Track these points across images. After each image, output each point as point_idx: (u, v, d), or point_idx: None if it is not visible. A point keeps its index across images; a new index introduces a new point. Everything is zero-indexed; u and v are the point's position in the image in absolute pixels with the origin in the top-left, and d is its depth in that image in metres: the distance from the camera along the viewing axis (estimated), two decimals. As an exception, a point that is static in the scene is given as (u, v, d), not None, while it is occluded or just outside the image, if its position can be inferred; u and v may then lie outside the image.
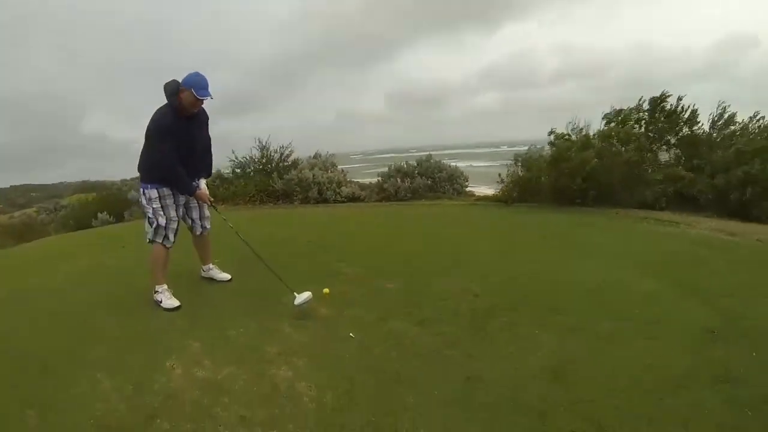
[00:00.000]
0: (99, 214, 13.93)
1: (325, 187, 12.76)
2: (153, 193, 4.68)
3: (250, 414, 2.98)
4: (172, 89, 4.45)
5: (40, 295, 5.34)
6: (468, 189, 14.12)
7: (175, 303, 4.63)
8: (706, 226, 7.92)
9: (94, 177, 46.19)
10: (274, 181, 13.28)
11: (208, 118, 4.90)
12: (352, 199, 12.86)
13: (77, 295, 5.24)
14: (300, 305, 4.37)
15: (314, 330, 4.07)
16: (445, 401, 3.08)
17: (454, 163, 14.53)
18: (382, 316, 4.32)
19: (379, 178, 13.74)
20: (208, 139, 4.99)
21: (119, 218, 14.09)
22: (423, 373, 3.41)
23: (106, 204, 15.38)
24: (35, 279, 6.02)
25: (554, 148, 10.93)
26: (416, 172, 13.25)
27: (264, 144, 14.33)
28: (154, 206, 4.66)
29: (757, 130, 10.38)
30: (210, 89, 4.45)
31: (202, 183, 4.93)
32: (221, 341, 3.89)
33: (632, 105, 11.11)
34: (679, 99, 10.79)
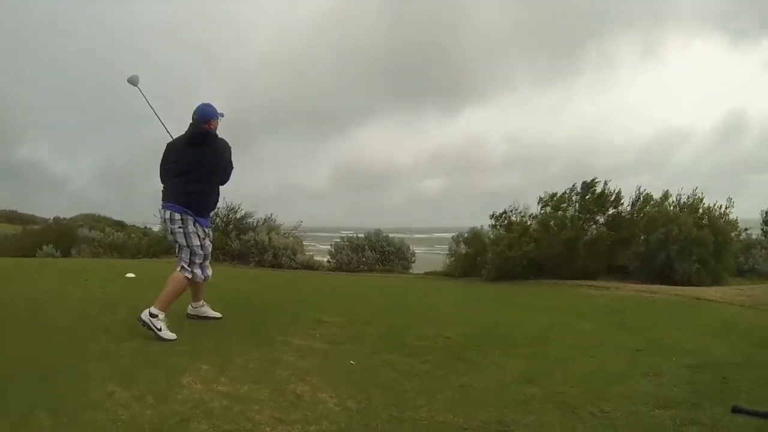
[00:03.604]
0: (45, 246, 13.57)
1: (281, 252, 12.98)
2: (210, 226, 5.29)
3: (284, 416, 3.42)
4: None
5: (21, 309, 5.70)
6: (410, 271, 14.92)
7: (173, 336, 4.77)
8: (632, 288, 9.41)
9: (24, 209, 43.30)
10: (231, 240, 13.41)
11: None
12: (307, 266, 13.18)
13: (60, 313, 5.62)
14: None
15: (316, 360, 4.56)
16: (448, 400, 3.78)
17: (400, 239, 15.10)
18: (373, 351, 4.92)
19: (332, 249, 14.05)
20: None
21: (65, 253, 13.77)
22: (424, 384, 4.11)
23: (53, 236, 14.99)
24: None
25: (496, 231, 12.42)
26: (366, 245, 13.55)
27: (230, 203, 14.71)
28: (201, 239, 5.10)
29: (666, 205, 12.23)
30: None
31: None
32: (230, 365, 4.26)
33: (567, 190, 12.55)
34: (606, 183, 12.37)
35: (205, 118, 5.03)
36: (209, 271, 5.23)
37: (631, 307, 7.56)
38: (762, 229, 15.67)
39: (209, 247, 5.19)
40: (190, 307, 5.62)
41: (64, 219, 25.11)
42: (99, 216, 28.45)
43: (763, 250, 13.51)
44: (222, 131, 5.22)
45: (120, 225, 25.32)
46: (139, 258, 15.35)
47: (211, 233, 5.30)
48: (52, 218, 25.69)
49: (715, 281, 10.79)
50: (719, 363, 4.51)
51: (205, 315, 5.61)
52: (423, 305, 7.82)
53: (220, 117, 5.13)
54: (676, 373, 4.26)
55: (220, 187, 5.23)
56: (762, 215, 16.10)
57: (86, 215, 28.18)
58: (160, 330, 4.68)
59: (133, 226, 25.91)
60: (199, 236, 4.99)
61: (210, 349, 4.55)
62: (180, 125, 5.25)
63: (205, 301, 5.65)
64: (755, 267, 13.12)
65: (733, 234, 12.04)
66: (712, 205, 11.96)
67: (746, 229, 14.01)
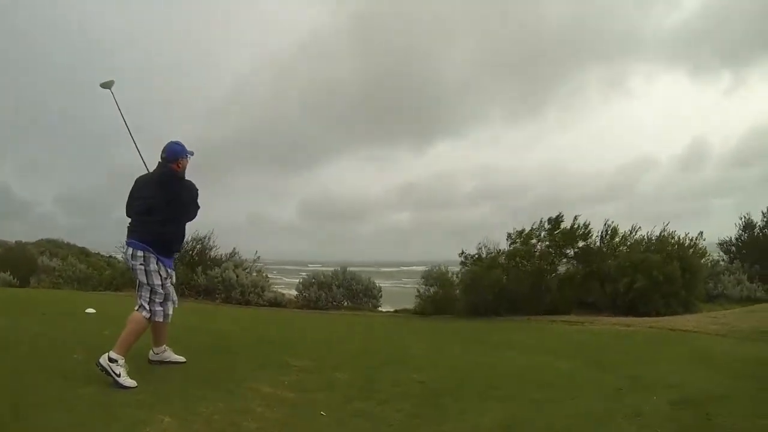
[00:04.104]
0: (2, 273, 13.01)
1: (248, 290, 12.70)
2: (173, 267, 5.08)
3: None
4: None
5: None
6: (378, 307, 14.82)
7: (134, 383, 4.46)
8: (607, 322, 9.47)
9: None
10: (197, 275, 13.08)
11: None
12: (274, 303, 12.90)
13: (13, 352, 5.30)
14: None
15: (285, 410, 4.30)
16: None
17: (367, 276, 14.85)
18: (344, 399, 4.66)
19: (300, 286, 13.87)
20: None
21: (24, 282, 13.22)
22: (399, 434, 3.91)
23: (11, 263, 14.35)
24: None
25: (466, 269, 12.41)
26: (334, 283, 13.39)
27: (197, 233, 14.49)
28: (163, 279, 4.93)
29: (633, 241, 12.56)
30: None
31: None
32: (194, 416, 3.98)
33: (536, 225, 12.78)
34: (575, 218, 12.60)
35: (173, 157, 4.95)
36: (170, 311, 5.01)
37: (608, 342, 7.56)
38: (726, 255, 16.12)
39: (171, 288, 5.03)
40: (151, 352, 5.33)
41: (27, 243, 24.29)
42: (62, 242, 27.71)
43: (731, 276, 13.90)
44: (193, 161, 5.16)
45: (84, 253, 24.66)
46: (100, 291, 14.91)
47: (174, 275, 5.12)
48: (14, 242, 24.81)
49: (687, 309, 11.02)
50: (700, 398, 4.47)
51: (168, 360, 5.34)
52: (394, 347, 7.60)
53: (189, 156, 5.06)
54: (659, 411, 4.20)
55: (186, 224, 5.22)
56: (720, 246, 16.57)
57: (49, 241, 27.44)
58: (119, 376, 4.41)
59: (98, 254, 25.25)
60: (161, 275, 4.85)
61: (173, 398, 4.22)
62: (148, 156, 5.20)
63: (167, 345, 5.39)
64: (724, 292, 13.48)
65: (702, 261, 12.47)
66: (682, 236, 12.39)
67: (718, 261, 15.02)
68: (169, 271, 4.97)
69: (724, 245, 16.52)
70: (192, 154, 5.12)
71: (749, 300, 12.84)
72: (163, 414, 3.85)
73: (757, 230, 15.92)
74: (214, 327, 8.39)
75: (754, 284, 13.69)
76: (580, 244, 12.51)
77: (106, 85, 5.66)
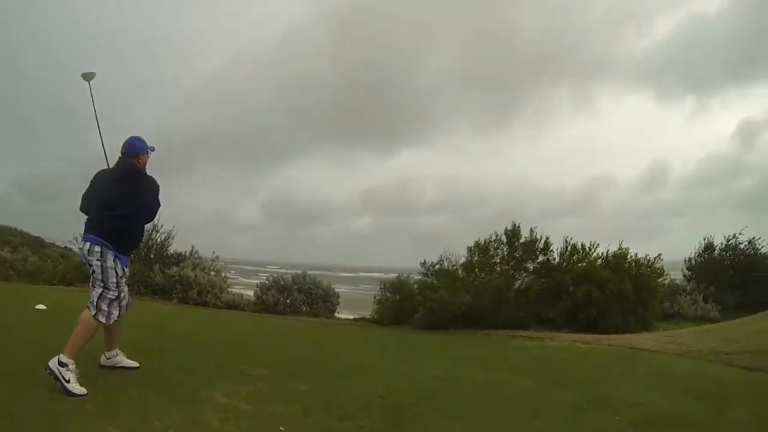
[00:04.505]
0: None
1: (206, 290, 12.39)
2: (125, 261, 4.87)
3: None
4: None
5: None
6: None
7: (83, 391, 4.22)
8: (566, 338, 9.40)
9: None
10: (155, 273, 12.72)
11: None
12: (232, 305, 12.62)
13: None
14: None
15: (242, 424, 4.11)
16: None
17: (327, 282, 14.65)
18: (303, 413, 4.49)
19: (258, 290, 13.58)
20: None
21: None
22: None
23: None
24: None
25: (426, 279, 12.39)
26: (294, 287, 13.18)
27: (156, 225, 13.97)
28: (118, 277, 4.75)
29: (593, 257, 12.59)
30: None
31: None
32: (148, 429, 3.77)
33: (491, 236, 12.71)
34: (532, 230, 12.63)
35: (133, 152, 4.85)
36: (115, 313, 4.71)
37: (568, 359, 7.55)
38: (684, 275, 16.41)
39: (125, 288, 4.84)
40: (103, 357, 5.08)
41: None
42: (16, 230, 26.14)
43: (687, 296, 14.17)
44: (159, 152, 5.01)
45: (38, 243, 23.80)
46: (53, 285, 14.36)
47: (128, 272, 4.92)
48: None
49: (644, 327, 11.17)
50: (661, 418, 4.52)
51: (120, 365, 5.09)
52: (354, 357, 7.45)
53: (150, 151, 4.96)
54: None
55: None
56: (685, 262, 16.99)
57: (1, 227, 25.60)
58: (68, 382, 4.18)
59: (53, 244, 24.41)
60: (116, 273, 4.69)
61: (125, 409, 3.99)
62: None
63: (120, 350, 5.12)
64: (680, 311, 13.71)
65: (659, 280, 12.80)
66: (639, 257, 12.51)
67: (674, 280, 15.13)
68: (126, 270, 4.82)
69: (686, 263, 16.91)
70: (153, 149, 5.01)
71: (704, 319, 13.14)
72: (113, 426, 3.65)
73: (716, 253, 16.33)
74: (169, 329, 8.14)
75: (709, 304, 13.99)
76: (540, 258, 12.58)
77: (87, 77, 5.58)
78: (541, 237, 12.54)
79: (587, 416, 4.66)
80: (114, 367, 5.05)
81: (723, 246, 16.17)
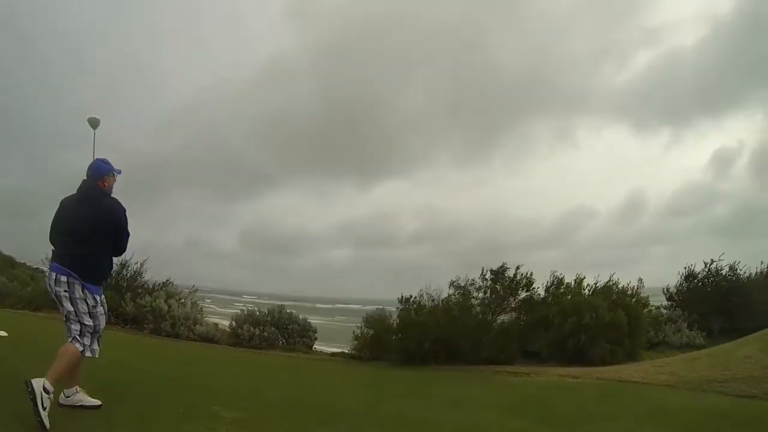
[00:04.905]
0: None
1: (180, 322, 11.85)
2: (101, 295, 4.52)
3: None
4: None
5: None
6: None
7: (48, 424, 3.80)
8: (553, 373, 8.97)
9: None
10: (126, 302, 12.17)
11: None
12: (206, 338, 12.07)
13: None
14: None
15: None
16: None
17: (304, 317, 14.31)
18: None
19: (233, 323, 13.11)
20: None
21: None
22: None
23: None
24: None
25: (402, 313, 12.00)
26: (269, 321, 12.77)
27: (125, 258, 13.30)
28: (100, 309, 4.46)
29: (580, 290, 12.38)
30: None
31: None
32: None
33: (476, 274, 12.38)
34: (517, 268, 12.29)
35: (99, 174, 4.59)
36: (97, 346, 4.43)
37: (556, 395, 7.14)
38: (665, 305, 16.06)
39: (102, 318, 4.48)
40: (62, 395, 4.50)
41: None
42: None
43: (672, 325, 13.98)
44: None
45: (9, 262, 22.89)
46: (18, 309, 13.69)
47: (104, 303, 4.54)
48: None
49: (631, 357, 10.89)
50: None
51: (80, 404, 4.53)
52: (334, 399, 6.89)
53: (116, 174, 4.72)
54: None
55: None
56: (664, 292, 16.78)
57: None
58: (44, 410, 3.77)
59: (24, 264, 23.60)
60: (87, 303, 4.35)
61: None
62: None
63: (80, 387, 4.65)
64: (665, 339, 13.51)
65: (645, 311, 12.54)
66: (624, 285, 12.49)
67: (657, 307, 14.88)
68: (98, 298, 4.46)
69: (666, 293, 16.78)
70: (119, 172, 4.77)
71: (689, 347, 12.92)
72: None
73: (698, 280, 16.11)
74: (138, 363, 7.57)
75: (694, 331, 13.82)
76: (523, 294, 12.28)
77: (93, 124, 5.33)
78: (522, 275, 12.26)
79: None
80: (73, 406, 4.48)
81: (704, 273, 15.98)
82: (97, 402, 4.61)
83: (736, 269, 15.69)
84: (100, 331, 4.48)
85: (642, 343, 12.03)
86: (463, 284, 12.25)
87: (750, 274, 15.87)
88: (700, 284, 16.05)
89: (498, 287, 12.13)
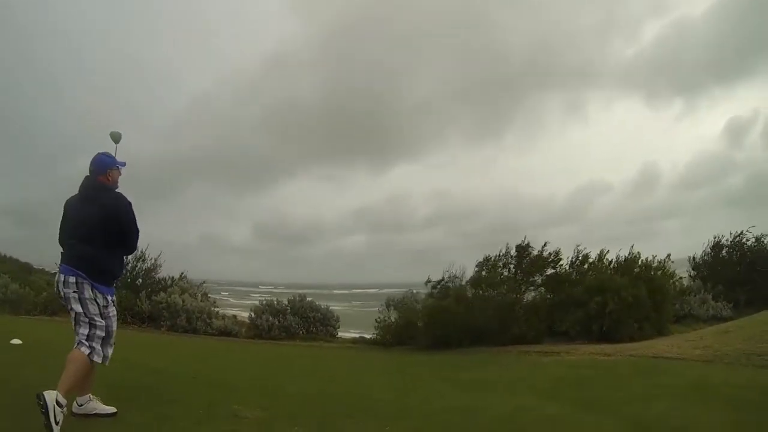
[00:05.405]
0: None
1: (195, 317, 11.65)
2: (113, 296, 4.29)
3: None
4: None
5: None
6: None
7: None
8: (584, 351, 8.71)
9: None
10: (141, 301, 11.97)
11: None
12: (224, 332, 11.83)
13: None
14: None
15: None
16: None
17: (325, 305, 14.12)
18: None
19: (252, 314, 12.83)
20: None
21: None
22: None
23: None
24: None
25: (431, 299, 11.85)
26: (288, 311, 12.43)
27: (141, 252, 13.23)
28: (112, 310, 4.21)
29: (603, 266, 12.25)
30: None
31: None
32: None
33: (500, 251, 12.33)
34: (544, 245, 12.23)
35: (101, 169, 4.33)
36: (110, 351, 4.18)
37: (591, 376, 6.84)
38: (689, 274, 16.05)
39: (113, 320, 4.24)
40: (74, 404, 4.29)
41: None
42: (5, 256, 25.17)
43: (696, 296, 13.80)
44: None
45: (26, 269, 22.88)
46: (33, 315, 13.56)
47: (115, 303, 4.31)
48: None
49: (660, 332, 10.77)
50: None
51: (95, 412, 4.29)
52: (357, 389, 6.66)
53: (120, 167, 4.46)
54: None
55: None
56: (690, 261, 16.61)
57: None
58: (57, 424, 3.57)
59: (41, 269, 23.61)
60: (98, 304, 4.12)
61: None
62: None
63: (94, 395, 4.37)
64: (691, 312, 13.32)
65: (670, 282, 12.50)
66: (649, 259, 12.26)
67: (681, 278, 14.67)
68: (109, 299, 4.23)
69: (691, 262, 16.58)
70: (124, 164, 4.49)
71: (716, 319, 12.71)
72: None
73: (725, 251, 15.93)
74: (154, 362, 7.39)
75: (720, 303, 13.66)
76: (549, 271, 12.14)
77: (115, 139, 5.06)
78: (551, 251, 12.16)
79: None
80: (87, 415, 4.26)
81: (730, 243, 15.76)
82: (112, 409, 4.35)
83: (762, 240, 15.40)
84: (112, 334, 4.24)
85: (669, 317, 11.79)
86: (492, 259, 12.14)
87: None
88: (725, 255, 15.82)
89: (524, 263, 12.00)
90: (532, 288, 12.10)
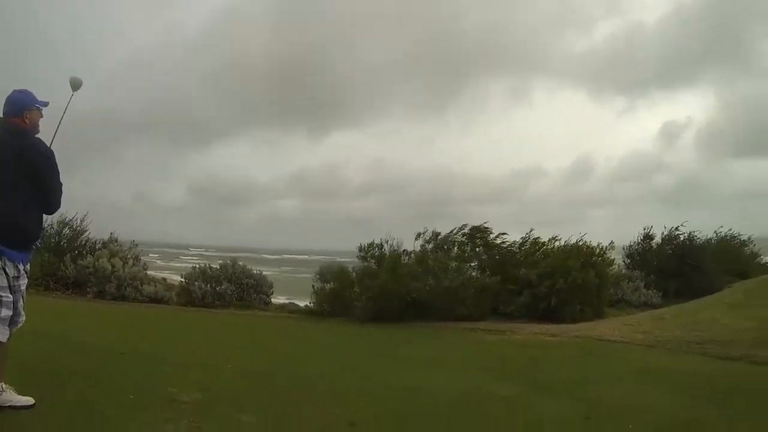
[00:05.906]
0: None
1: (125, 283, 10.91)
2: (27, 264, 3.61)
3: None
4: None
5: None
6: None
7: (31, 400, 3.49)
8: (529, 331, 8.84)
9: None
10: (65, 265, 11.10)
11: None
12: (155, 299, 11.17)
13: None
14: None
15: None
16: None
17: (258, 270, 13.55)
18: None
19: (183, 280, 12.20)
20: None
21: None
22: None
23: None
24: None
25: (365, 264, 11.66)
26: (222, 277, 11.89)
27: (64, 216, 12.18)
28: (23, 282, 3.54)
29: (554, 249, 12.41)
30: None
31: None
32: None
33: (450, 230, 12.26)
34: (503, 234, 12.38)
35: (18, 109, 3.54)
36: (7, 330, 3.42)
37: (539, 356, 6.94)
38: (624, 262, 16.61)
39: (22, 293, 3.53)
40: None
41: None
42: None
43: (630, 283, 14.31)
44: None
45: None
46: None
47: (28, 273, 3.62)
48: None
49: (598, 315, 11.04)
50: (675, 425, 4.05)
51: (9, 404, 3.56)
52: (304, 368, 6.14)
53: (41, 107, 3.69)
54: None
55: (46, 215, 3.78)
56: (624, 249, 17.06)
57: None
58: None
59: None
60: (7, 275, 3.39)
61: None
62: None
63: (6, 384, 3.58)
64: (624, 297, 13.78)
65: (609, 269, 12.89)
66: (594, 245, 12.48)
67: (618, 265, 15.26)
68: (21, 268, 3.51)
69: (626, 250, 17.10)
70: (45, 104, 3.71)
71: (647, 305, 13.29)
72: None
73: (657, 243, 16.63)
74: (79, 335, 6.54)
75: (651, 291, 14.20)
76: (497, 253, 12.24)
77: (75, 85, 4.36)
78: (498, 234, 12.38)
79: (598, 428, 4.03)
80: (0, 408, 3.56)
81: (664, 237, 16.48)
82: (29, 401, 3.61)
83: (693, 237, 16.34)
84: (21, 312, 3.56)
85: (606, 301, 12.21)
86: (439, 235, 12.06)
87: (704, 241, 17.01)
88: (658, 247, 16.54)
89: (478, 244, 12.11)
90: (477, 267, 12.08)
